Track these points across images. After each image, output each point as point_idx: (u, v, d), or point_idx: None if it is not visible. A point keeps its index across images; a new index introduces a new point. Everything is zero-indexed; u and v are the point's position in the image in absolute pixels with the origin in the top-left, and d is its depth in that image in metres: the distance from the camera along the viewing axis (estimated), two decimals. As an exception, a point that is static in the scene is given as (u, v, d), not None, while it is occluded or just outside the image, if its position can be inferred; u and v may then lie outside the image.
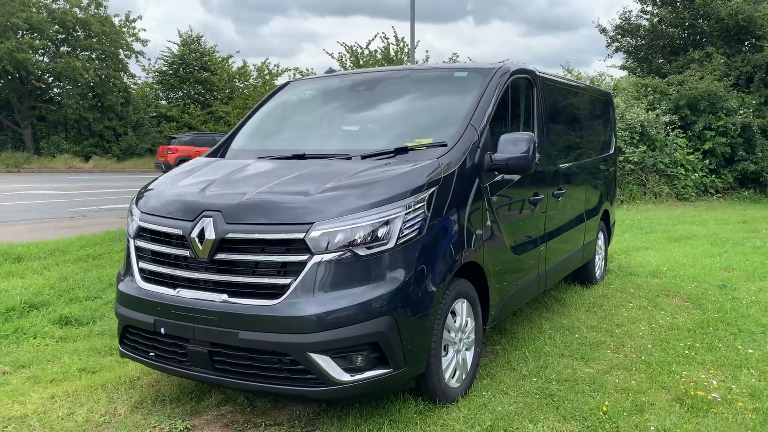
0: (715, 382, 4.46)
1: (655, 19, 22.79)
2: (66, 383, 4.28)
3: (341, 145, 4.58)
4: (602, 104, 7.64)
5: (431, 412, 3.80)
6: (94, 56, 34.60)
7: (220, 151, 4.84)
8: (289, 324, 3.26)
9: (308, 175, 3.79)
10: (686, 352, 5.07)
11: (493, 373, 4.50)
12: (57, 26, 33.06)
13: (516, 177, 4.61)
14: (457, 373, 4.04)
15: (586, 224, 6.67)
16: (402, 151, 4.03)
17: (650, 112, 17.99)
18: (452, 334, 3.94)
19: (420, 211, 3.57)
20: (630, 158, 16.81)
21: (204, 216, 3.53)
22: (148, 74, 38.95)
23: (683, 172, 17.86)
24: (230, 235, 3.42)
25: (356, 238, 3.34)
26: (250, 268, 3.42)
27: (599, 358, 4.91)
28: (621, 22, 23.58)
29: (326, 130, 4.91)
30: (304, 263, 3.30)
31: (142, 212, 3.92)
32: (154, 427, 3.63)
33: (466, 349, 4.15)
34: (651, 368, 4.70)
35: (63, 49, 33.84)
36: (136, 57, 36.72)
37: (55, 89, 34.95)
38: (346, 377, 3.32)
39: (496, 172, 4.31)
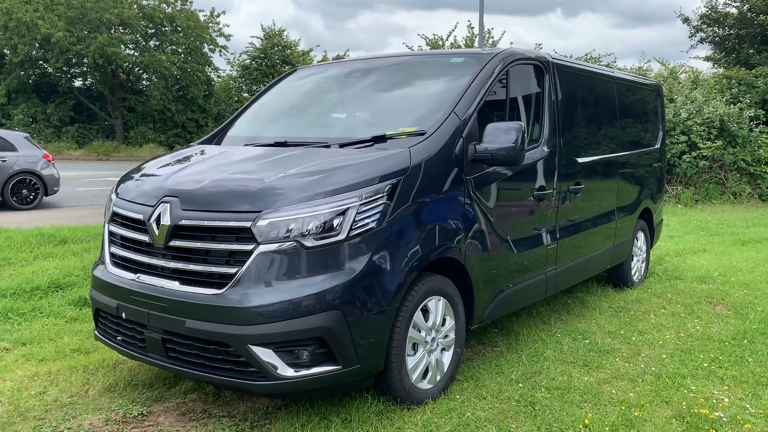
0: (726, 400, 4.03)
1: (745, 6, 21.23)
2: (53, 363, 4.39)
3: (327, 132, 4.44)
4: (647, 96, 7.12)
5: (391, 413, 3.62)
6: (179, 50, 35.98)
7: (216, 138, 4.83)
8: (231, 314, 3.17)
9: (274, 163, 3.69)
10: (707, 365, 4.63)
11: (477, 376, 4.25)
12: (146, 21, 34.60)
13: (510, 170, 4.33)
14: (430, 374, 3.83)
15: (618, 223, 6.24)
16: (380, 139, 3.87)
17: (732, 106, 16.74)
18: (422, 333, 3.74)
19: (379, 202, 3.39)
20: (704, 153, 15.71)
21: (163, 201, 3.49)
22: (232, 68, 40.15)
23: (768, 171, 16.54)
24: (183, 222, 3.37)
25: (304, 228, 3.21)
26: (201, 255, 3.36)
27: (605, 366, 4.55)
28: (707, 11, 22.13)
29: (316, 117, 4.80)
30: (250, 252, 3.21)
31: (117, 197, 3.95)
32: (112, 411, 3.65)
33: (443, 350, 3.93)
34: (659, 380, 4.31)
35: (151, 43, 35.40)
36: (220, 51, 37.92)
37: (144, 82, 36.63)
38: (289, 372, 3.20)
39: (484, 165, 4.06)
